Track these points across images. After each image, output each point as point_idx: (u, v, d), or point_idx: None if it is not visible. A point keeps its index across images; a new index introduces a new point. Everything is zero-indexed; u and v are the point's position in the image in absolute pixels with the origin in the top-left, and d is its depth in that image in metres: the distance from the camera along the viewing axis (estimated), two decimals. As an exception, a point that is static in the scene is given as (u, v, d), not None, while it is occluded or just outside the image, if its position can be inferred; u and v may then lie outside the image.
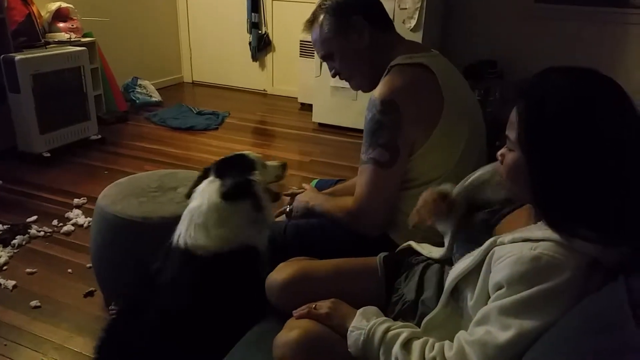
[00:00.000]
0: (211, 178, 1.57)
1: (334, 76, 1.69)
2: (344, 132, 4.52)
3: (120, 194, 2.08)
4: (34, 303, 2.17)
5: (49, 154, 3.69)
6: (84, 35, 4.36)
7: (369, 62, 1.58)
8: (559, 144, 0.92)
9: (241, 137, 4.44)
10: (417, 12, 3.90)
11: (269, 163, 1.71)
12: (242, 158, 1.63)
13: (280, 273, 1.36)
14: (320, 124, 4.71)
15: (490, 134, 1.63)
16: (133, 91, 5.14)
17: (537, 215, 1.01)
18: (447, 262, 1.28)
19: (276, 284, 1.34)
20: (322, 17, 1.58)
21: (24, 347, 1.94)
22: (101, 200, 2.07)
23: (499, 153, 1.07)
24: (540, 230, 0.96)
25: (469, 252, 1.13)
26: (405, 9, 3.93)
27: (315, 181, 2.12)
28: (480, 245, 1.10)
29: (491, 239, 1.04)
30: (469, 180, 1.29)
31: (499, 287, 0.97)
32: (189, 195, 1.60)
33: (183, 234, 1.48)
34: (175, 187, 2.15)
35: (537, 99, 0.95)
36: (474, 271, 1.06)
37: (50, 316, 2.11)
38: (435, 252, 1.31)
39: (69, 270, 2.42)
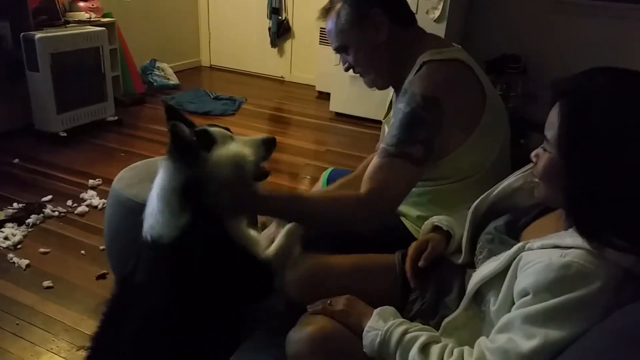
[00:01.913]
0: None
1: (347, 70, 1.59)
2: (361, 123, 4.47)
3: (135, 178, 2.06)
4: (46, 283, 2.18)
5: (65, 134, 3.70)
6: (104, 16, 4.36)
7: (386, 58, 1.49)
8: (602, 149, 0.88)
9: (257, 123, 4.42)
10: (442, 3, 3.82)
11: (249, 138, 1.43)
12: (203, 135, 1.35)
13: (296, 267, 1.33)
14: (338, 113, 4.66)
15: (512, 131, 1.58)
16: (151, 73, 5.14)
17: (568, 222, 0.97)
18: (468, 263, 1.25)
19: (292, 279, 1.32)
20: (339, 5, 1.48)
21: (36, 327, 1.95)
22: (116, 183, 2.05)
23: (533, 153, 1.03)
24: (571, 237, 0.92)
25: (493, 254, 1.10)
26: (430, -1, 3.85)
27: (329, 170, 2.08)
28: (506, 247, 1.07)
29: (519, 244, 1.00)
30: (495, 192, 1.24)
31: (524, 293, 0.93)
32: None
33: (146, 227, 1.34)
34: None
35: (583, 100, 0.91)
36: (499, 276, 1.02)
37: (62, 297, 2.12)
38: (456, 257, 1.27)
39: (82, 252, 2.42)
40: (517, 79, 4.14)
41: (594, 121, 0.89)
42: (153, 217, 1.33)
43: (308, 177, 3.48)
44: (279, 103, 5.14)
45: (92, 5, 4.25)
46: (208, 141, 1.32)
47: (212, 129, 1.38)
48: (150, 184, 1.98)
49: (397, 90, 1.52)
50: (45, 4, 3.86)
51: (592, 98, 0.90)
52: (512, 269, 0.99)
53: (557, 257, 0.90)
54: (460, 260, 1.26)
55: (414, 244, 1.30)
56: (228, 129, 1.42)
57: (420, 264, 1.24)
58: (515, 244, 1.03)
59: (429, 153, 1.35)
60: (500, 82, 4.05)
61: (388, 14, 1.46)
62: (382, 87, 1.59)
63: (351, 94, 4.46)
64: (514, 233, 1.14)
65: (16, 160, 3.35)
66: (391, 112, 1.57)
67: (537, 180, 1.03)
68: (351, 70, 1.58)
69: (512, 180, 1.25)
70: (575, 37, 4.18)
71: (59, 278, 2.22)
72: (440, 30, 3.83)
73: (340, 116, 4.64)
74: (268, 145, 1.37)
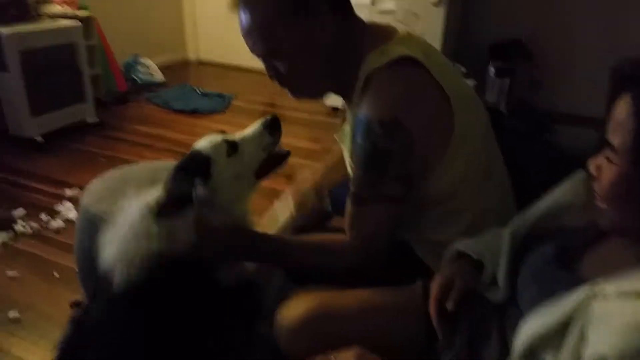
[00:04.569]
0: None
1: (271, 77, 1.25)
2: (358, 117, 4.23)
3: (107, 190, 1.81)
4: (12, 314, 1.93)
5: (42, 139, 3.45)
6: (80, 8, 4.09)
7: (328, 62, 1.16)
8: None
9: (249, 121, 4.11)
10: (441, -14, 3.57)
11: (247, 132, 1.30)
12: (192, 160, 1.28)
13: (294, 309, 1.08)
14: (334, 108, 4.42)
15: (526, 123, 1.34)
16: (134, 70, 4.89)
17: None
18: (507, 300, 1.01)
19: (289, 324, 1.07)
20: None
21: (-2, 369, 1.71)
22: (85, 197, 1.81)
23: (594, 165, 0.80)
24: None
25: (544, 294, 0.86)
26: (428, -18, 3.60)
27: None
28: (555, 283, 0.84)
29: (586, 289, 0.76)
30: (539, 211, 1.00)
31: (602, 361, 0.70)
32: None
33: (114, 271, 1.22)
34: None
35: None
36: (558, 330, 0.78)
37: (30, 331, 1.88)
38: (491, 291, 1.02)
39: (56, 274, 2.19)
40: (523, 65, 3.90)
41: None
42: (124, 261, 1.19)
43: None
44: (271, 98, 4.89)
45: (67, -4, 3.98)
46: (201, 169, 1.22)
47: (204, 149, 1.29)
48: (123, 198, 1.75)
49: (346, 98, 1.23)
50: (13, -3, 3.58)
51: None
52: (577, 323, 0.75)
53: (648, 313, 0.66)
54: (498, 297, 1.01)
55: (437, 279, 1.04)
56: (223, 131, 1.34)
57: (449, 306, 0.98)
58: (572, 280, 0.81)
59: (406, 185, 1.10)
60: (506, 67, 3.81)
61: (329, 4, 1.11)
62: (319, 98, 1.31)
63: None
64: (567, 264, 0.90)
65: (-12, 170, 3.10)
66: (345, 127, 1.29)
67: (599, 204, 0.80)
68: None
69: (558, 195, 1.01)
70: (582, 19, 3.95)
71: (28, 307, 1.98)
72: (439, 16, 3.60)
73: (337, 111, 4.39)
74: (272, 128, 1.28)
